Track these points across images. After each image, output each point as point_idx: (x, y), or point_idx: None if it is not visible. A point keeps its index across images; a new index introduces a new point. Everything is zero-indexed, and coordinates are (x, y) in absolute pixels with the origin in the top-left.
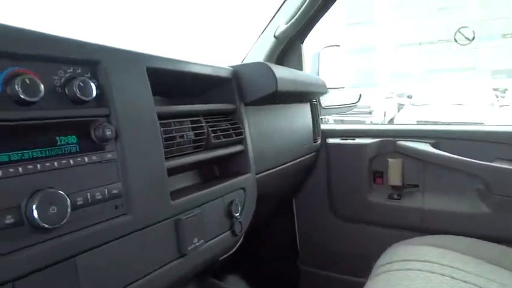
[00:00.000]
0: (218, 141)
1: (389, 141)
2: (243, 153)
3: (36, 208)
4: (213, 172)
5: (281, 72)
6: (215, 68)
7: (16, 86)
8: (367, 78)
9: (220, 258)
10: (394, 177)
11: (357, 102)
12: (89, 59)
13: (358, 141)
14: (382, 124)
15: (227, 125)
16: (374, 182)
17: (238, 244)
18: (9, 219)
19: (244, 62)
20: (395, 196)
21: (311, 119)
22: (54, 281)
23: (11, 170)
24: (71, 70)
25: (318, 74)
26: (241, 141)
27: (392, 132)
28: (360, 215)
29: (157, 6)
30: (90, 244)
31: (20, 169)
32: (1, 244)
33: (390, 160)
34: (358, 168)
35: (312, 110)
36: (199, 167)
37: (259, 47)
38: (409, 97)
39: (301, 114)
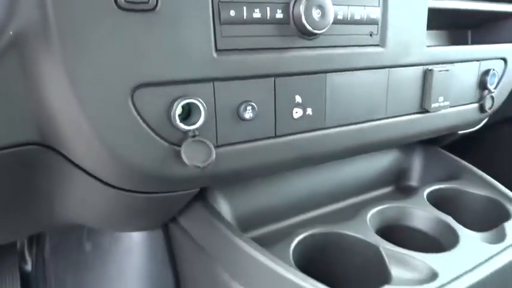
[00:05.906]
0: None
1: None
2: None
3: (304, 8)
4: (465, 37)
5: None
6: None
7: None
8: None
9: (460, 132)
10: None
11: None
12: None
13: None
14: None
15: None
16: None
17: (482, 123)
18: (279, 14)
19: None
20: None
21: None
22: (309, 88)
23: None
24: None
25: None
26: None
27: None
28: None
29: None
30: (341, 65)
31: None
32: (272, 39)
33: None
34: None
35: None
36: (450, 26)
37: None
38: None
39: None
